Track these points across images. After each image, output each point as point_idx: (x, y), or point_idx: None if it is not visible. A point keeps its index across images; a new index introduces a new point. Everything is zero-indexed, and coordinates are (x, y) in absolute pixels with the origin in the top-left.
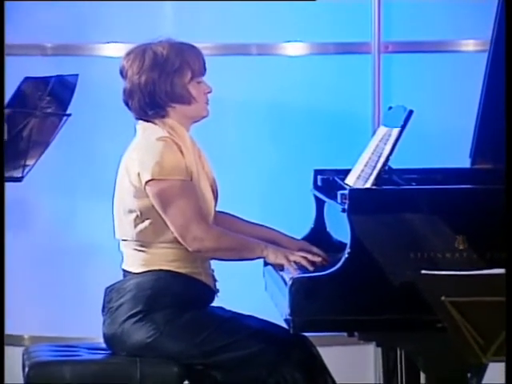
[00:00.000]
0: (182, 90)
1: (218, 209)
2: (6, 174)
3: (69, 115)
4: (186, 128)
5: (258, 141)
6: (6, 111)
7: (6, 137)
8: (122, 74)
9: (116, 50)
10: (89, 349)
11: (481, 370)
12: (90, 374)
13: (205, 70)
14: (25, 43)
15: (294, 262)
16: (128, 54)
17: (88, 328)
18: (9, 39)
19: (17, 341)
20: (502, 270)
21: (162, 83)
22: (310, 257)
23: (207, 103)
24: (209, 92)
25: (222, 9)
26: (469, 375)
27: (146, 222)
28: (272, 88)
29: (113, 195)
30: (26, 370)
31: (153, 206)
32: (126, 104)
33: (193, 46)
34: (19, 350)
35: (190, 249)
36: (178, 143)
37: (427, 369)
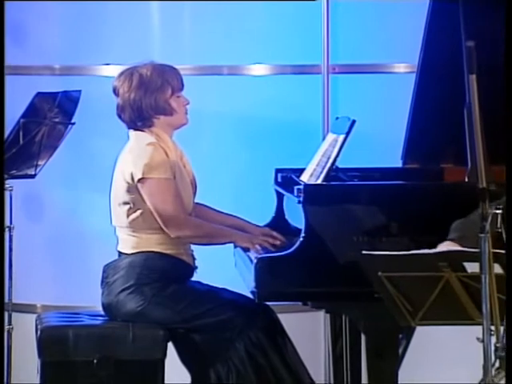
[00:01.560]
0: (164, 104)
1: (196, 201)
2: (22, 172)
3: (73, 124)
4: (170, 134)
5: (230, 145)
6: (22, 120)
7: (21, 141)
8: (115, 92)
9: (111, 71)
10: (90, 315)
11: (410, 332)
12: (90, 336)
13: (183, 86)
14: (37, 65)
15: (258, 244)
16: (119, 76)
17: (89, 298)
18: (23, 61)
19: (31, 309)
20: (427, 250)
21: (148, 99)
22: (270, 240)
23: (186, 113)
24: (187, 104)
25: (199, 35)
26: (400, 336)
27: (138, 212)
28: (240, 102)
29: (110, 190)
30: (39, 333)
31: (143, 199)
32: (119, 117)
33: (172, 67)
34: (33, 317)
35: (171, 235)
36: (163, 147)
37: (367, 331)
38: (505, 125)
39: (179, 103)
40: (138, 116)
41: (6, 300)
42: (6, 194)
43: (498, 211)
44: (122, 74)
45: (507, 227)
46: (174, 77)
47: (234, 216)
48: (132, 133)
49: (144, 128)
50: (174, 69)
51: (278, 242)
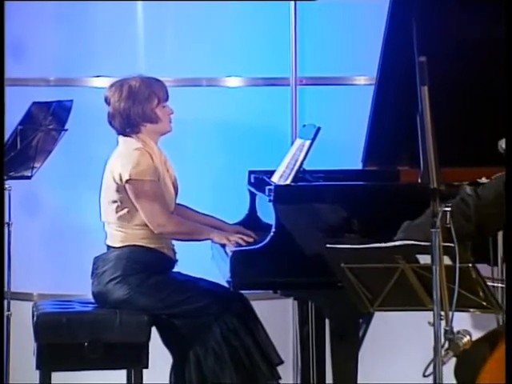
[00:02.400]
0: (150, 113)
1: (178, 202)
2: (19, 174)
3: (66, 130)
4: (155, 141)
5: (208, 150)
6: (19, 127)
7: (19, 146)
8: (106, 101)
9: (101, 82)
10: (81, 303)
11: (369, 317)
12: (81, 322)
13: (167, 96)
14: (33, 77)
15: (234, 241)
16: (110, 87)
17: (81, 288)
18: (21, 74)
19: (28, 297)
20: (384, 244)
21: (136, 108)
22: (244, 237)
23: (170, 121)
24: (171, 113)
25: (180, 50)
26: (360, 321)
27: (125, 210)
28: (217, 111)
29: (100, 189)
30: (35, 318)
31: (130, 198)
32: (110, 124)
33: (158, 79)
34: (30, 304)
35: (154, 232)
36: (149, 152)
37: (330, 316)
38: (505, 125)
39: (164, 112)
40: (126, 123)
41: (6, 289)
42: (5, 194)
43: (447, 209)
44: (113, 85)
45: (505, 227)
46: (159, 88)
47: (211, 216)
48: (121, 138)
49: (132, 134)
50: (160, 81)
51: (249, 239)
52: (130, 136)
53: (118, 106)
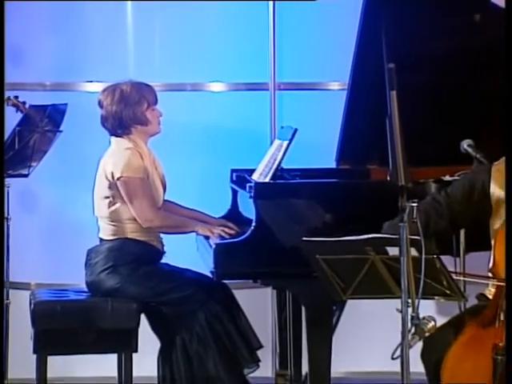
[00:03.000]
0: (141, 116)
1: (166, 198)
2: (17, 172)
3: (61, 131)
4: (145, 141)
5: (193, 150)
6: (17, 129)
7: (16, 146)
8: (100, 104)
9: (94, 87)
10: (75, 292)
11: (342, 305)
12: (75, 309)
13: (156, 100)
14: (30, 82)
15: (217, 233)
16: (103, 91)
17: (75, 277)
18: (20, 79)
19: (26, 286)
20: (355, 237)
21: (127, 111)
22: (226, 230)
23: (159, 124)
24: (160, 116)
25: (167, 58)
26: (334, 308)
27: (116, 205)
28: (201, 114)
29: (93, 186)
30: (32, 306)
31: (121, 194)
32: (103, 125)
33: (147, 84)
34: (27, 293)
35: (143, 225)
36: (139, 152)
37: (306, 304)
38: (506, 124)
39: (153, 115)
40: (118, 125)
41: (5, 279)
42: (4, 191)
43: (413, 204)
44: (105, 89)
45: (507, 226)
46: (149, 93)
47: (196, 210)
48: (113, 139)
49: (123, 135)
50: (149, 86)
51: (232, 232)
52: (121, 137)
53: (110, 109)
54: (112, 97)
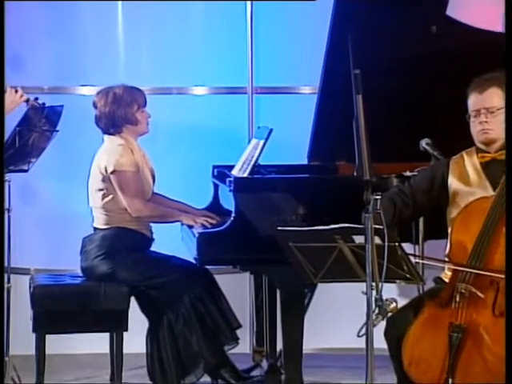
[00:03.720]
0: (131, 117)
1: (155, 190)
2: (17, 167)
3: (57, 131)
4: (135, 139)
5: (178, 147)
6: (17, 128)
7: (17, 144)
8: (94, 105)
9: (87, 90)
10: (71, 276)
11: (313, 288)
12: (71, 292)
13: (146, 103)
14: (30, 85)
15: (200, 223)
16: (98, 93)
17: (71, 263)
18: (20, 83)
19: (26, 272)
20: (325, 227)
21: (119, 112)
22: (209, 220)
23: (148, 124)
24: (149, 117)
25: (154, 64)
26: (306, 291)
27: (109, 197)
28: (186, 115)
29: (87, 180)
30: (31, 289)
31: (114, 186)
32: (97, 124)
33: (138, 88)
34: (27, 278)
35: (133, 215)
36: (130, 148)
37: (281, 287)
38: (505, 125)
39: (143, 116)
40: (111, 124)
41: (6, 265)
42: (6, 185)
43: (377, 197)
44: (100, 92)
45: (507, 226)
46: (139, 96)
47: (181, 202)
48: (106, 137)
49: (115, 133)
50: (140, 89)
51: (213, 222)
52: (113, 135)
53: (103, 110)
54: (106, 99)
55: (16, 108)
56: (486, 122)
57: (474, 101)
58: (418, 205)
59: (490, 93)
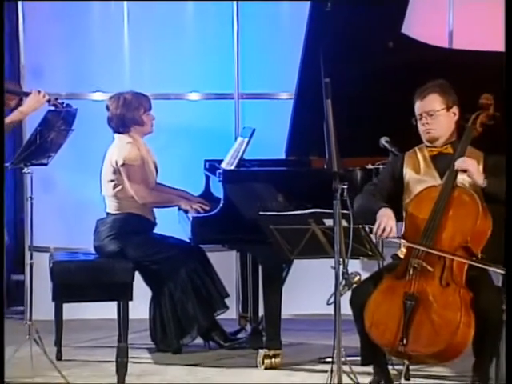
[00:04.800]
0: (138, 119)
1: (158, 181)
2: (38, 161)
3: (72, 130)
4: (141, 137)
5: (177, 145)
6: (38, 128)
7: (38, 142)
8: (107, 108)
9: (99, 96)
10: (85, 254)
11: (290, 263)
12: (85, 267)
13: (151, 107)
14: (49, 92)
15: (195, 208)
16: (110, 98)
17: (85, 243)
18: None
19: (46, 250)
20: (300, 212)
21: (128, 115)
22: (202, 206)
23: (152, 125)
24: (153, 119)
25: (155, 73)
26: (284, 266)
27: (120, 187)
28: (182, 117)
29: (99, 172)
30: (51, 265)
31: (123, 178)
32: (109, 124)
33: (144, 94)
34: (47, 255)
35: (139, 202)
36: (137, 145)
37: (262, 263)
38: (506, 125)
39: (148, 118)
40: (121, 124)
41: (29, 243)
42: (28, 176)
43: (344, 186)
44: (112, 97)
45: (506, 224)
46: (146, 101)
47: (179, 189)
48: (116, 135)
49: (124, 132)
50: (146, 96)
51: (206, 208)
52: (122, 133)
53: (115, 112)
54: (117, 103)
55: (40, 107)
56: (427, 123)
57: (417, 106)
58: (387, 194)
59: (430, 99)
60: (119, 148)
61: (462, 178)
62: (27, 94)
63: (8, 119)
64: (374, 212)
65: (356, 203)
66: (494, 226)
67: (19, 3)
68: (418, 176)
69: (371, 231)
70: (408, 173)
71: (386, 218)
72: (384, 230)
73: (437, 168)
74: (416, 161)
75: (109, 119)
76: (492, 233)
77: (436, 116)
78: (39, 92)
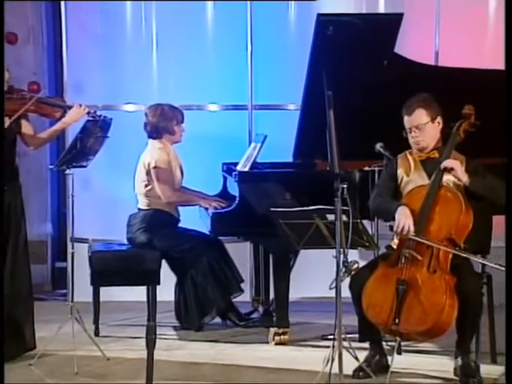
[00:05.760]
0: (170, 128)
1: (184, 181)
2: (78, 164)
3: (108, 137)
4: (171, 144)
5: (199, 151)
6: (79, 135)
7: (78, 147)
8: (145, 115)
9: (130, 107)
10: (119, 244)
11: (296, 253)
12: (119, 256)
13: (183, 120)
14: (88, 104)
15: (213, 205)
16: (150, 107)
17: (119, 234)
18: (80, 102)
19: (85, 241)
20: (306, 208)
21: (162, 124)
22: (220, 203)
23: (181, 136)
24: (183, 131)
25: (181, 87)
26: (291, 255)
27: (150, 186)
28: (203, 126)
29: (134, 173)
30: (89, 254)
31: (153, 179)
32: (145, 129)
33: (179, 109)
34: (86, 245)
35: (165, 201)
36: (166, 151)
37: (273, 252)
38: (506, 125)
39: (179, 129)
40: (154, 131)
41: (71, 235)
42: (69, 177)
43: (344, 186)
44: (151, 106)
45: (507, 225)
46: (179, 114)
47: (200, 191)
48: (150, 141)
49: (157, 138)
50: (180, 109)
51: (223, 205)
52: (155, 139)
53: (151, 120)
54: (154, 112)
55: (81, 118)
56: (416, 136)
57: (406, 121)
58: (389, 193)
59: (416, 114)
60: (151, 152)
61: (446, 179)
62: (70, 107)
63: (53, 128)
64: (392, 211)
65: (373, 204)
66: (475, 220)
67: (63, 29)
68: (409, 177)
69: (391, 229)
70: (400, 174)
71: (404, 217)
72: (403, 228)
73: (425, 170)
74: (407, 163)
75: (145, 125)
76: (473, 226)
77: (423, 128)
78: (80, 105)
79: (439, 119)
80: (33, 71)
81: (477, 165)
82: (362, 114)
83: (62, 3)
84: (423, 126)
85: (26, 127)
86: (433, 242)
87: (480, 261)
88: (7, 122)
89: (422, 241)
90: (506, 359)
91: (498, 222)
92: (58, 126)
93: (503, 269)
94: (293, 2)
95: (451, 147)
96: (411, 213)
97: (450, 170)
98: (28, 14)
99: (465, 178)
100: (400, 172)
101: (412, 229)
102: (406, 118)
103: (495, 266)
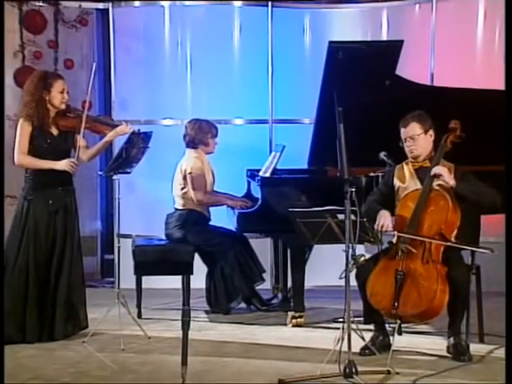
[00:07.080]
0: (205, 141)
1: (215, 185)
2: (123, 171)
3: (149, 147)
4: (205, 154)
5: (227, 160)
6: (124, 146)
7: (123, 156)
8: (185, 128)
9: (167, 122)
10: (158, 240)
11: (311, 247)
12: (158, 250)
13: (217, 134)
14: (131, 119)
15: (239, 206)
16: (189, 122)
17: (159, 231)
18: (125, 117)
19: (129, 236)
20: (320, 208)
21: (198, 136)
22: (245, 204)
23: (214, 148)
24: (216, 144)
25: (210, 103)
26: (306, 249)
27: (185, 189)
28: (229, 139)
29: (172, 177)
30: (133, 248)
31: (188, 183)
32: (183, 139)
33: (215, 125)
34: (130, 240)
35: (196, 202)
36: (201, 159)
37: (290, 247)
38: (506, 126)
39: (213, 142)
40: (191, 142)
41: (117, 231)
42: (116, 182)
43: (352, 189)
44: (191, 121)
45: (507, 224)
46: (214, 128)
47: (228, 193)
48: (187, 150)
49: (193, 149)
50: (216, 126)
51: (248, 205)
52: (192, 149)
53: (189, 132)
54: (193, 125)
55: (126, 134)
56: (410, 145)
57: (402, 132)
58: (384, 198)
59: (411, 126)
60: (188, 160)
61: (436, 184)
62: (117, 125)
63: (102, 142)
64: (375, 213)
65: (364, 208)
66: (462, 218)
67: (111, 54)
68: (405, 184)
69: (373, 227)
70: (397, 182)
71: (383, 218)
72: (382, 225)
73: (418, 177)
74: (403, 173)
75: (184, 136)
76: (461, 223)
77: (416, 139)
78: (126, 124)
79: (431, 132)
80: (85, 91)
81: (464, 171)
82: (368, 127)
83: (111, 30)
84: (417, 137)
85: (80, 141)
86: (417, 236)
87: (466, 247)
88: (78, 137)
89: (417, 238)
90: (506, 359)
91: (498, 221)
92: (107, 138)
93: (488, 251)
94: (308, 30)
95: (440, 156)
96: (407, 212)
97: (438, 176)
98: (83, 43)
99: (451, 182)
100: (396, 181)
101: (390, 226)
102: (402, 130)
103: (481, 250)
